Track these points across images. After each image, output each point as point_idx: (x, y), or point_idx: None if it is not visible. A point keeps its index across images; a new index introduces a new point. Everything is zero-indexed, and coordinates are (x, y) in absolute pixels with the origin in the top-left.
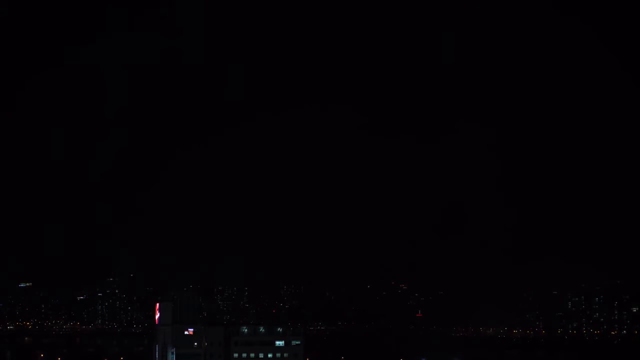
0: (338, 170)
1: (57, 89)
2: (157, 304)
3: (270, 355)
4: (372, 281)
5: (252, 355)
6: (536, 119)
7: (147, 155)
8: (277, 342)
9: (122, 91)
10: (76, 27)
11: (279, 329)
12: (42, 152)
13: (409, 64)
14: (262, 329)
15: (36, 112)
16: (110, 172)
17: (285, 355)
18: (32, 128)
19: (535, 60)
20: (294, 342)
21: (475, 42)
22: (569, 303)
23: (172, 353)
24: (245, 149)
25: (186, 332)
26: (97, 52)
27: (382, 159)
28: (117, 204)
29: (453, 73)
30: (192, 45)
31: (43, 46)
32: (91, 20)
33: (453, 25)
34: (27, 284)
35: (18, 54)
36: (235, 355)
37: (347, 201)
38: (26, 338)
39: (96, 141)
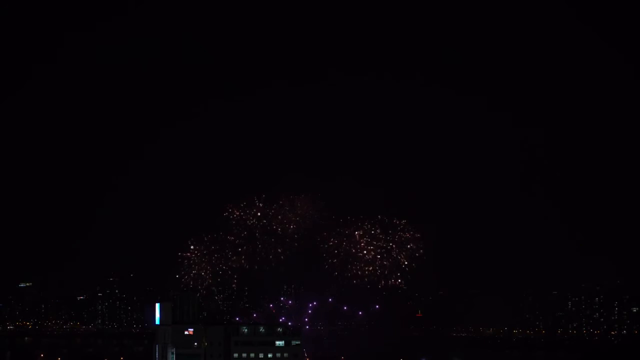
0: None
1: (58, 86)
2: (157, 304)
3: (270, 355)
4: (372, 281)
5: (252, 355)
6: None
7: (148, 155)
8: (277, 342)
9: (122, 88)
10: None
11: (279, 329)
12: (41, 151)
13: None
14: (262, 329)
15: (34, 109)
16: (112, 170)
17: (285, 355)
18: (29, 127)
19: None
20: (294, 342)
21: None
22: (569, 303)
23: (172, 353)
24: (247, 147)
25: (186, 332)
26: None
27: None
28: (118, 202)
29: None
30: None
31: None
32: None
33: None
34: (27, 284)
35: (13, 51)
36: (235, 355)
37: None
38: (26, 338)
39: (97, 141)
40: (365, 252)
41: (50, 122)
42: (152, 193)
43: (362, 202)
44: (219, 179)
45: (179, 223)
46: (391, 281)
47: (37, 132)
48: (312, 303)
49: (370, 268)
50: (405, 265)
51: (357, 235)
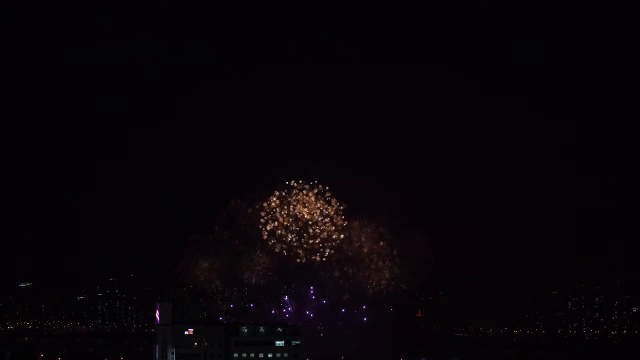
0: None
1: (55, 83)
2: (157, 304)
3: (270, 355)
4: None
5: (252, 355)
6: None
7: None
8: (277, 342)
9: (122, 87)
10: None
11: (279, 329)
12: (40, 149)
13: None
14: (262, 329)
15: (33, 107)
16: (112, 169)
17: (285, 355)
18: (28, 126)
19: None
20: (294, 342)
21: None
22: (569, 303)
23: (172, 353)
24: (247, 145)
25: (186, 332)
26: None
27: None
28: (118, 203)
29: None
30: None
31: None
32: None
33: None
34: (27, 284)
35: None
36: (235, 355)
37: None
38: (26, 338)
39: (97, 139)
40: (370, 255)
41: (49, 120)
42: (152, 191)
43: (365, 202)
44: (218, 177)
45: (179, 221)
46: (393, 283)
47: (37, 132)
48: (320, 303)
49: (375, 281)
50: (407, 270)
51: (362, 236)
